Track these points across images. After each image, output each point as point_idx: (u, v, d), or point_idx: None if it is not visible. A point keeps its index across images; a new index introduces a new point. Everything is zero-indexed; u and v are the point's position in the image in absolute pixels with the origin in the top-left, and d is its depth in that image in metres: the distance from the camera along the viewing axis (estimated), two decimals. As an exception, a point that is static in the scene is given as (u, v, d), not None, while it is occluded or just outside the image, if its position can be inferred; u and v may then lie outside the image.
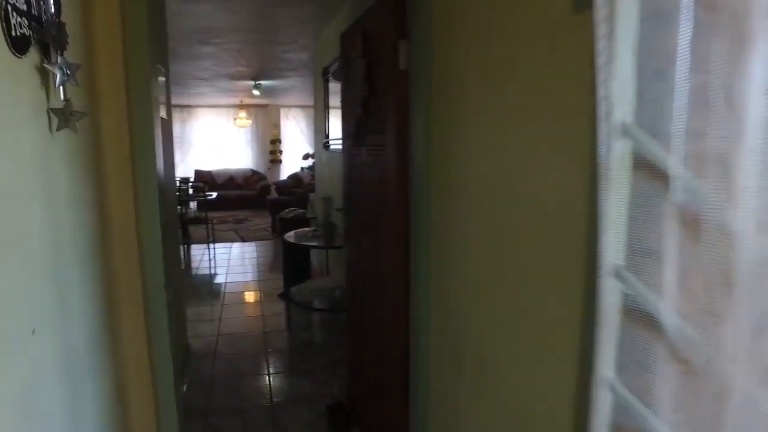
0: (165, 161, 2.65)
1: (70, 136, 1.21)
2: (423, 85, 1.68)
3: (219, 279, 5.56)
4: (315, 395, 2.97)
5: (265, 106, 11.53)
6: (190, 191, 7.22)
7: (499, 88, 1.30)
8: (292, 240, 3.70)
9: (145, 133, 1.62)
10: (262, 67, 6.21)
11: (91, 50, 1.45)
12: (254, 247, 7.27)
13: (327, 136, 4.30)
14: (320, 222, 3.99)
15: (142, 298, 1.70)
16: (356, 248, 2.52)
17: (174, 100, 10.55)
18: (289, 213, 4.75)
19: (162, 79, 2.47)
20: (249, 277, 5.69)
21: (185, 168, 11.28)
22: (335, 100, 4.14)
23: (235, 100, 10.53)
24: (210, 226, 7.19)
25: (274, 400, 2.96)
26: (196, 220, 6.96)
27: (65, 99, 1.14)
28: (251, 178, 11.59)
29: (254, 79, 7.08)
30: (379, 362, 2.21)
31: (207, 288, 5.22)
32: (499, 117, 1.30)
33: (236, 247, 7.31)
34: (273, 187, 11.16)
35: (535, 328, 1.17)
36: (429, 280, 1.76)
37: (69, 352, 1.18)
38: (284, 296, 4.58)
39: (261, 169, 11.78)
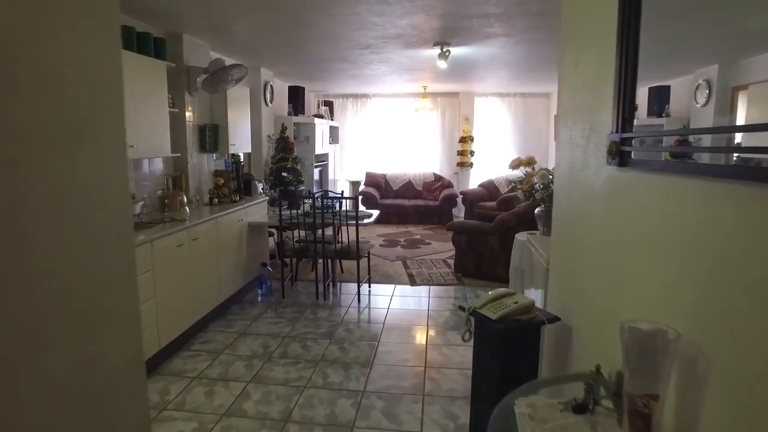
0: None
1: None
2: None
3: (351, 375, 3.24)
4: None
5: (454, 94, 9.08)
6: (343, 206, 4.81)
7: None
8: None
9: None
10: (448, 14, 3.70)
11: None
12: (426, 297, 4.85)
13: (623, 121, 1.45)
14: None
15: None
16: None
17: (344, 88, 8.31)
18: (493, 310, 1.82)
19: None
20: (406, 378, 3.26)
21: (353, 169, 9.50)
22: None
23: (417, 87, 8.29)
24: (366, 259, 4.99)
25: None
26: (346, 253, 4.79)
27: None
28: (433, 184, 9.28)
29: (438, 42, 4.63)
30: None
31: (323, 405, 2.93)
32: None
33: (399, 294, 4.97)
34: (459, 198, 8.71)
35: None
36: None
37: None
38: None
39: (446, 174, 9.39)
